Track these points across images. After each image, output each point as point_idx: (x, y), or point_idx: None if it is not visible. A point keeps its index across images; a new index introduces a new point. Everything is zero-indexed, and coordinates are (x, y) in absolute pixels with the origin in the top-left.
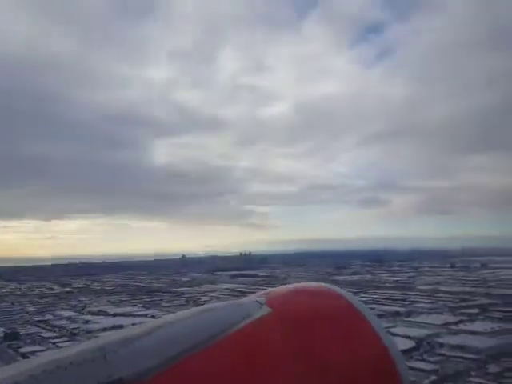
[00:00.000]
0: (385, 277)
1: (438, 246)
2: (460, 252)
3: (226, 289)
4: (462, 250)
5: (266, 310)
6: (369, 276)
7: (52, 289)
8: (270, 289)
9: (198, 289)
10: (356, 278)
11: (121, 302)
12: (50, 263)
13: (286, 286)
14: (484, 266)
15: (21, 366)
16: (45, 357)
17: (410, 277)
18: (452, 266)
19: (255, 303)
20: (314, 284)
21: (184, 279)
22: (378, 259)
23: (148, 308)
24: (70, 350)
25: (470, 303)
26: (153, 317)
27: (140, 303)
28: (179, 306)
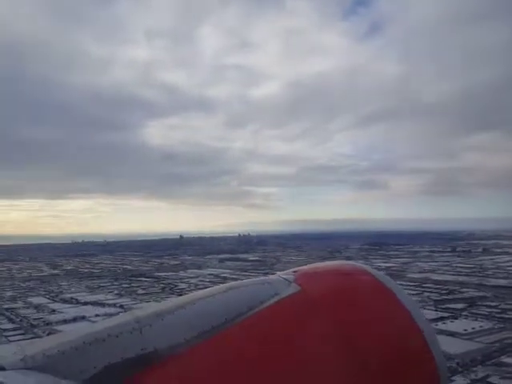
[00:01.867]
0: (378, 263)
1: (445, 228)
2: (466, 234)
3: (210, 274)
4: (468, 232)
5: (294, 288)
6: (361, 262)
7: (41, 270)
8: (299, 267)
9: (182, 274)
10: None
11: (99, 287)
12: (54, 241)
13: (316, 264)
14: (486, 250)
15: (61, 337)
16: (84, 329)
17: (404, 263)
18: (452, 251)
19: (283, 281)
20: (344, 263)
21: (173, 262)
22: (377, 242)
23: (122, 296)
24: (108, 322)
25: (458, 296)
26: (121, 307)
27: (117, 289)
28: (153, 294)
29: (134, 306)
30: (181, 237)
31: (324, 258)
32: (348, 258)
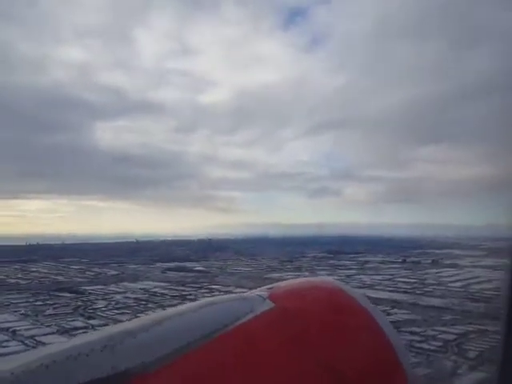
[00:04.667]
0: (322, 275)
1: (409, 234)
2: (427, 242)
3: (142, 288)
4: (430, 239)
5: (268, 305)
6: (307, 274)
7: None
8: (274, 283)
9: (112, 288)
10: (290, 276)
11: (9, 304)
12: (6, 243)
13: (290, 280)
14: (435, 262)
15: (31, 356)
16: (54, 347)
17: (348, 275)
18: (403, 261)
19: (258, 298)
20: (317, 279)
21: (113, 272)
22: (333, 250)
23: (25, 317)
24: (79, 340)
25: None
26: (14, 333)
27: (25, 308)
28: (61, 316)
29: (26, 333)
30: (137, 241)
31: (272, 269)
32: (296, 269)
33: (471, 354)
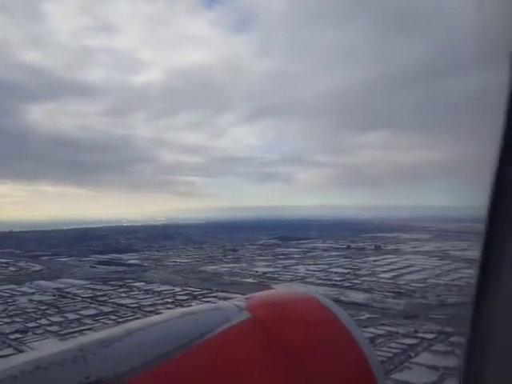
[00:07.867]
0: (260, 267)
1: (365, 215)
2: (378, 224)
3: (55, 288)
4: (382, 220)
5: (245, 315)
6: (244, 265)
7: None
8: (250, 294)
9: (23, 288)
10: (225, 269)
11: None
12: None
13: (267, 291)
14: (377, 248)
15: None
16: (24, 356)
17: (285, 267)
18: (347, 248)
19: (235, 308)
20: (294, 289)
21: (36, 267)
22: (284, 236)
23: None
24: (51, 349)
25: None
26: None
27: None
28: None
29: None
30: (86, 228)
31: (211, 261)
32: (236, 260)
33: None
